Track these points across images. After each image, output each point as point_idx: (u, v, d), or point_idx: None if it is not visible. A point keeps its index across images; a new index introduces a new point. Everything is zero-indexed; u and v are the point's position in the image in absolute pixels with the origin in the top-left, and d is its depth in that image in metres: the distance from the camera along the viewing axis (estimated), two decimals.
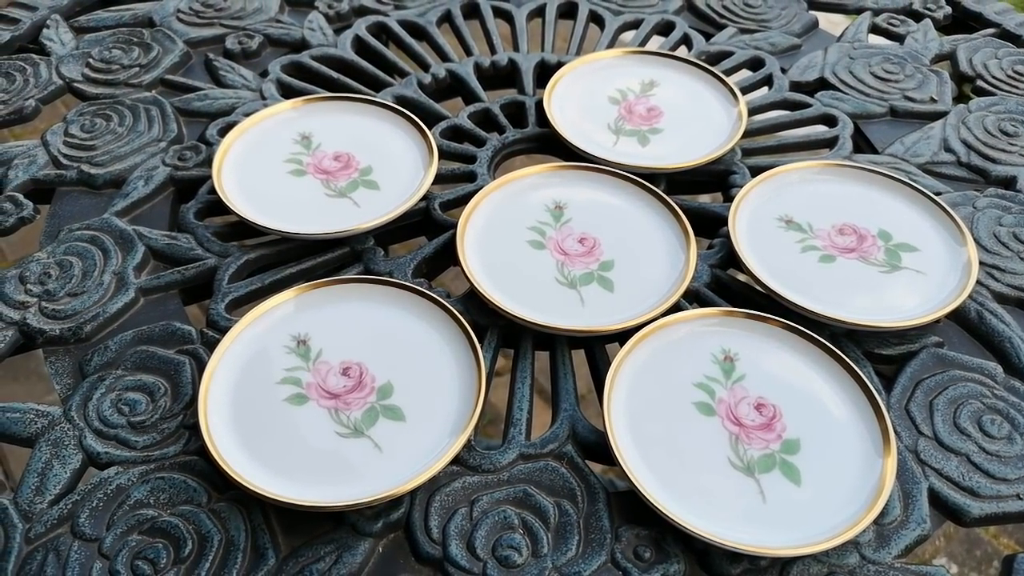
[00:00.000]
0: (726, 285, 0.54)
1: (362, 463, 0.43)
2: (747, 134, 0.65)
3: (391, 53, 0.73)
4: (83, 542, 0.40)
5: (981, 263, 0.55)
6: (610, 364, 0.46)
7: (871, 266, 0.53)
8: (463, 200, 0.59)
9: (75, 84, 0.68)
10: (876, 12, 0.80)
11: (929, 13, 0.80)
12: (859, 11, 0.81)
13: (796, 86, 0.71)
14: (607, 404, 0.45)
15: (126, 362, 0.48)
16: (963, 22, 0.81)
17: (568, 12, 0.80)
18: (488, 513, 0.41)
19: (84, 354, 0.49)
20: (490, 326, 0.51)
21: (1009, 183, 0.62)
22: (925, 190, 0.58)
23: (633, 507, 0.42)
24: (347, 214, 0.56)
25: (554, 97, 0.66)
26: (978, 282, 0.54)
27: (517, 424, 0.46)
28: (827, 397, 0.46)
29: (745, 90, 0.69)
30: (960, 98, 0.70)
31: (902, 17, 0.79)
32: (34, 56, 0.71)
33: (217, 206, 0.57)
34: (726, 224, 0.55)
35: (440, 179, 0.61)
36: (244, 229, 0.56)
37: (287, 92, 0.69)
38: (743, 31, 0.77)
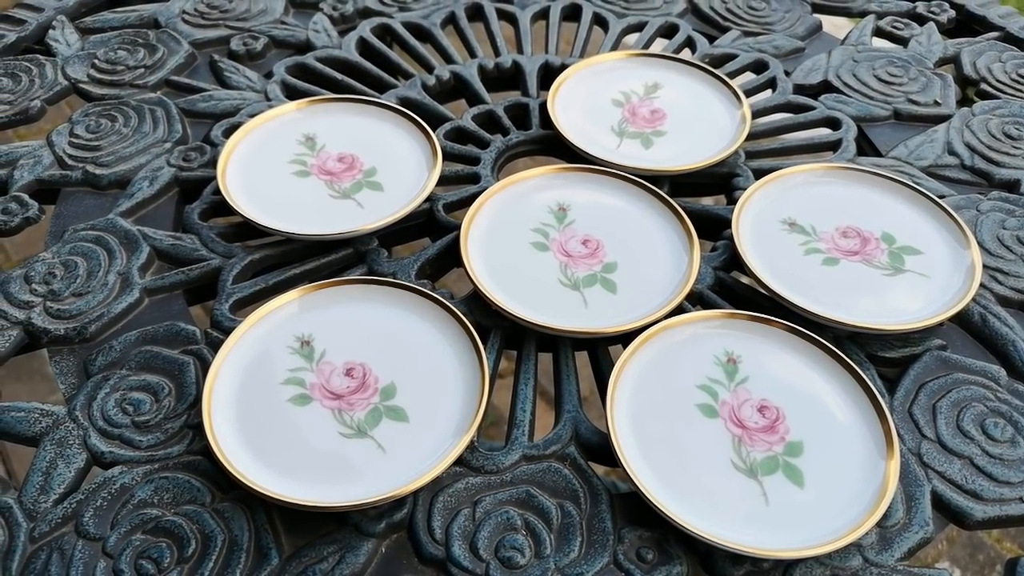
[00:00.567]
0: (729, 287, 0.54)
1: (365, 464, 0.43)
2: (751, 137, 0.65)
3: (395, 55, 0.74)
4: (87, 541, 0.40)
5: (985, 266, 0.55)
6: (613, 366, 0.47)
7: (874, 269, 0.53)
8: (467, 202, 0.59)
9: (80, 85, 0.68)
10: (880, 15, 0.80)
11: (933, 16, 0.80)
12: (863, 14, 0.81)
13: (800, 89, 0.71)
14: (610, 406, 0.45)
15: (130, 362, 0.48)
16: (967, 25, 0.81)
17: (572, 14, 0.80)
18: (491, 514, 0.42)
19: (88, 354, 0.49)
20: (493, 327, 0.51)
21: (1013, 186, 0.62)
22: (929, 193, 0.58)
23: (636, 509, 0.42)
24: (351, 215, 0.56)
25: (558, 99, 0.66)
26: (982, 285, 0.54)
27: (520, 425, 0.46)
28: (830, 400, 0.46)
29: (749, 93, 0.70)
30: (964, 101, 0.70)
31: (906, 20, 0.79)
32: (40, 57, 0.71)
33: (221, 207, 0.57)
34: (729, 226, 0.55)
35: (444, 180, 0.61)
36: (248, 230, 0.56)
37: (291, 93, 0.69)
38: (747, 34, 0.77)
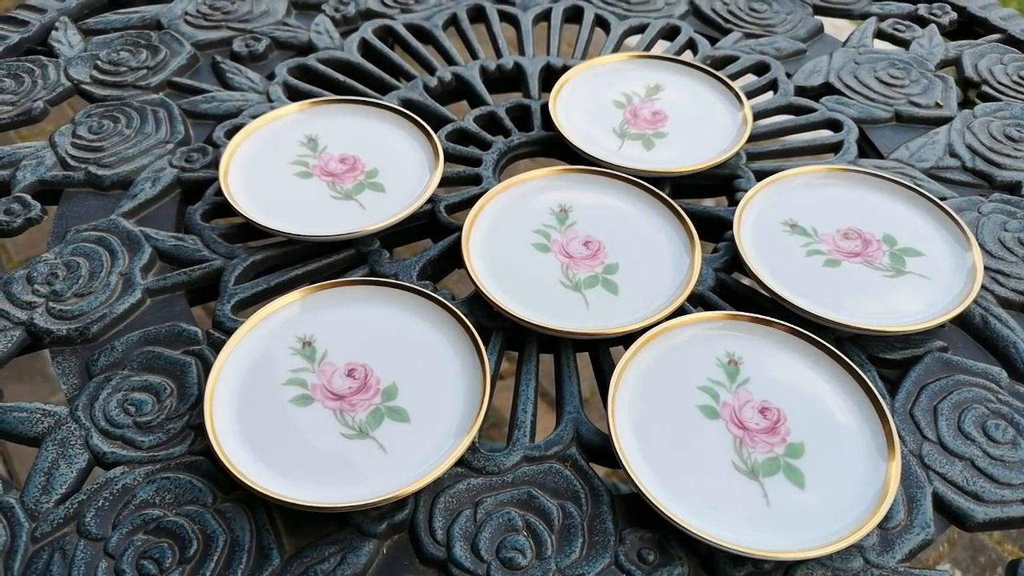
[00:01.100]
0: (730, 289, 0.54)
1: (366, 464, 0.43)
2: (752, 138, 0.65)
3: (397, 56, 0.74)
4: (89, 541, 0.40)
5: (986, 268, 0.55)
6: (614, 367, 0.47)
7: (876, 270, 0.53)
8: (468, 203, 0.59)
9: (83, 86, 0.69)
10: (881, 17, 0.80)
11: (935, 19, 0.80)
12: (864, 16, 0.81)
13: (801, 91, 0.71)
14: (611, 407, 0.45)
15: (132, 362, 0.48)
16: (968, 27, 0.81)
17: (574, 16, 0.80)
18: (492, 515, 0.42)
19: (91, 354, 0.49)
20: (494, 328, 0.51)
21: (1014, 188, 0.62)
22: (930, 195, 0.58)
23: (637, 510, 0.42)
24: (353, 216, 0.56)
25: (559, 101, 0.66)
26: (983, 287, 0.54)
27: (521, 426, 0.46)
28: (831, 401, 0.46)
29: (750, 94, 0.70)
30: (965, 103, 0.70)
31: (907, 22, 0.79)
32: (42, 58, 0.71)
33: (224, 208, 0.57)
34: (731, 228, 0.55)
35: (445, 182, 0.61)
36: (250, 231, 0.56)
37: (294, 95, 0.69)
38: (748, 36, 0.77)
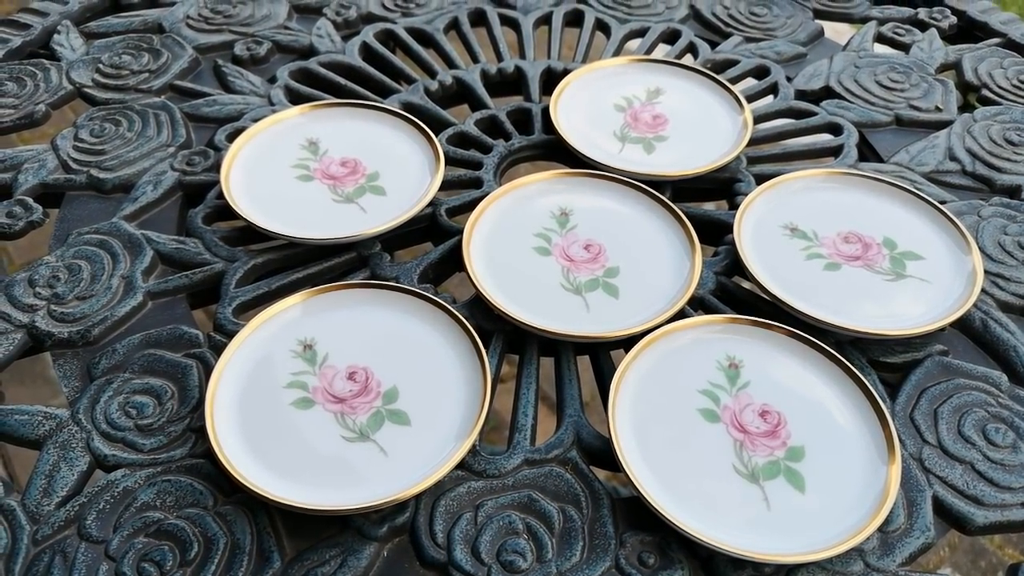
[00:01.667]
0: (731, 292, 0.54)
1: (367, 467, 0.43)
2: (752, 142, 0.65)
3: (398, 60, 0.74)
4: (90, 544, 0.40)
5: (986, 272, 0.55)
6: (615, 370, 0.47)
7: (876, 274, 0.54)
8: (469, 206, 0.59)
9: (85, 89, 0.69)
10: (882, 21, 0.80)
11: (935, 23, 0.80)
12: (864, 20, 0.81)
13: (801, 95, 0.71)
14: (612, 410, 0.45)
15: (134, 365, 0.48)
16: (968, 32, 0.81)
17: (574, 20, 0.80)
18: (493, 518, 0.42)
19: (92, 357, 0.49)
20: (495, 331, 0.51)
21: (1014, 192, 0.62)
22: (930, 199, 0.58)
23: (637, 513, 0.42)
24: (354, 219, 0.56)
25: (560, 104, 0.67)
26: (983, 291, 0.54)
27: (522, 429, 0.46)
28: (832, 404, 0.46)
29: (750, 98, 0.70)
30: (965, 107, 0.70)
31: (907, 26, 0.80)
32: (45, 61, 0.71)
33: (225, 211, 0.58)
34: (731, 231, 0.56)
35: (446, 185, 0.61)
36: (251, 234, 0.56)
37: (295, 98, 0.69)
38: (748, 40, 0.77)
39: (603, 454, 0.45)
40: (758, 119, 0.67)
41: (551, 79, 0.72)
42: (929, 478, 0.44)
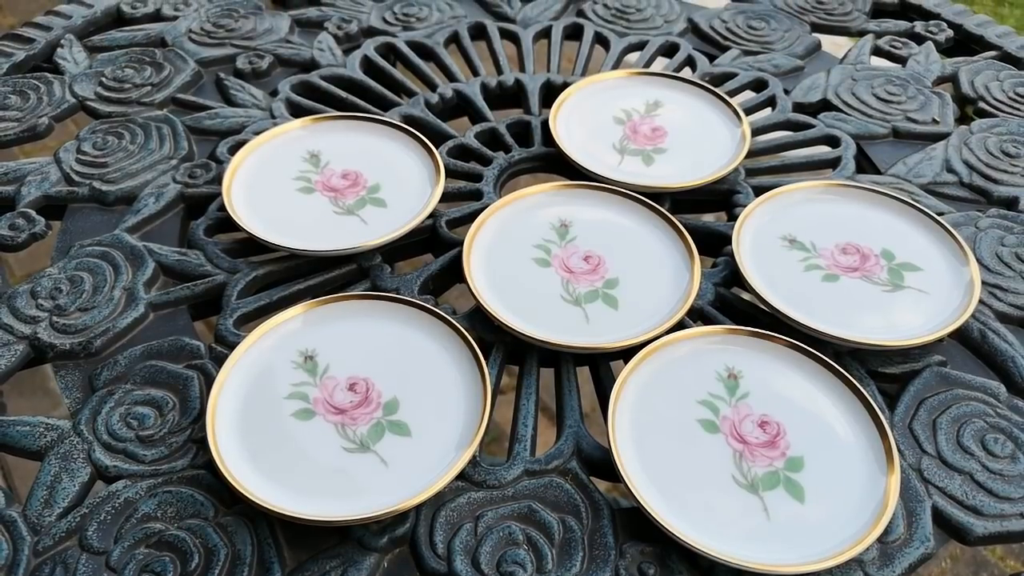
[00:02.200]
0: (730, 303, 0.55)
1: (368, 478, 0.43)
2: (750, 154, 0.65)
3: (399, 73, 0.74)
4: (91, 555, 0.40)
5: (983, 283, 0.55)
6: (614, 381, 0.47)
7: (874, 285, 0.54)
8: (469, 218, 0.60)
9: (88, 102, 0.69)
10: (879, 34, 0.81)
11: (931, 36, 0.81)
12: (861, 33, 0.82)
13: (799, 107, 0.71)
14: (611, 421, 0.45)
15: (135, 376, 0.48)
16: (965, 44, 0.82)
17: (574, 34, 0.81)
18: (493, 529, 0.42)
19: (94, 368, 0.49)
20: (495, 343, 0.51)
21: (1011, 204, 0.62)
22: (928, 210, 0.58)
23: (637, 524, 0.42)
24: (355, 231, 0.57)
25: (560, 117, 0.67)
26: (981, 301, 0.54)
27: (522, 440, 0.46)
28: (831, 415, 0.46)
29: (749, 111, 0.70)
30: (962, 120, 0.71)
31: (904, 39, 0.80)
32: (48, 75, 0.72)
33: (226, 223, 0.58)
34: (730, 243, 0.56)
35: (447, 197, 0.61)
36: (253, 246, 0.57)
37: (296, 111, 0.69)
38: (746, 53, 0.78)
39: (603, 464, 0.45)
40: (756, 131, 0.68)
41: (551, 92, 0.73)
42: (928, 488, 0.44)
